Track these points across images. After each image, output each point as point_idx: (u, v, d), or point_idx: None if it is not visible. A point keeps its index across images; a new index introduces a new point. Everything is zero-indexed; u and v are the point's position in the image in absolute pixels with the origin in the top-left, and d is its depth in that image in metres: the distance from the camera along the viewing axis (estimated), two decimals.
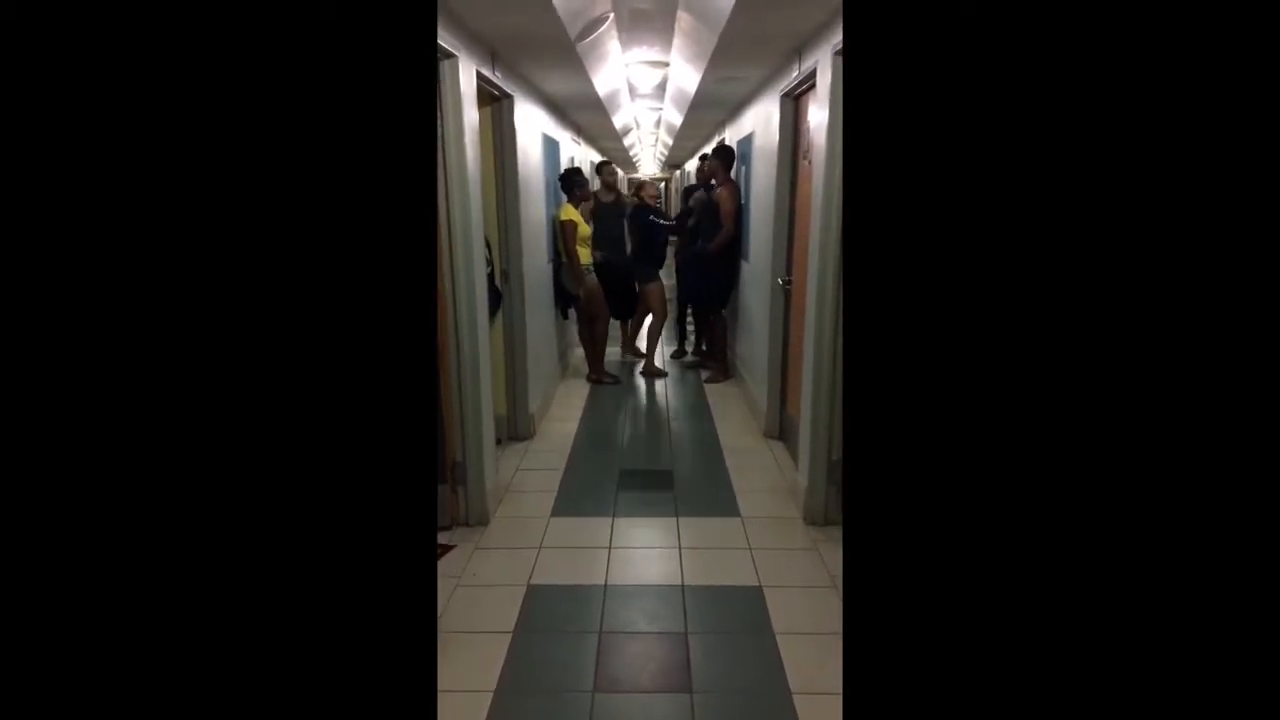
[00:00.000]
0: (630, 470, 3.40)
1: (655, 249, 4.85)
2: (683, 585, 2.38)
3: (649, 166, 12.76)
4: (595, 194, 5.09)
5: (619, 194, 5.32)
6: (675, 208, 8.51)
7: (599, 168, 5.38)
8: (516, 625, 2.16)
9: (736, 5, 2.42)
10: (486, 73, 2.89)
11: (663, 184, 7.52)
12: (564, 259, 4.45)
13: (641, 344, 5.25)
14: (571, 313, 4.87)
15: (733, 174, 4.62)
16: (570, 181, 4.53)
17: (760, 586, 2.36)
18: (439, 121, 2.46)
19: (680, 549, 2.62)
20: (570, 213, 4.40)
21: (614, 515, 2.90)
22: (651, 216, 4.79)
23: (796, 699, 1.84)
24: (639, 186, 5.12)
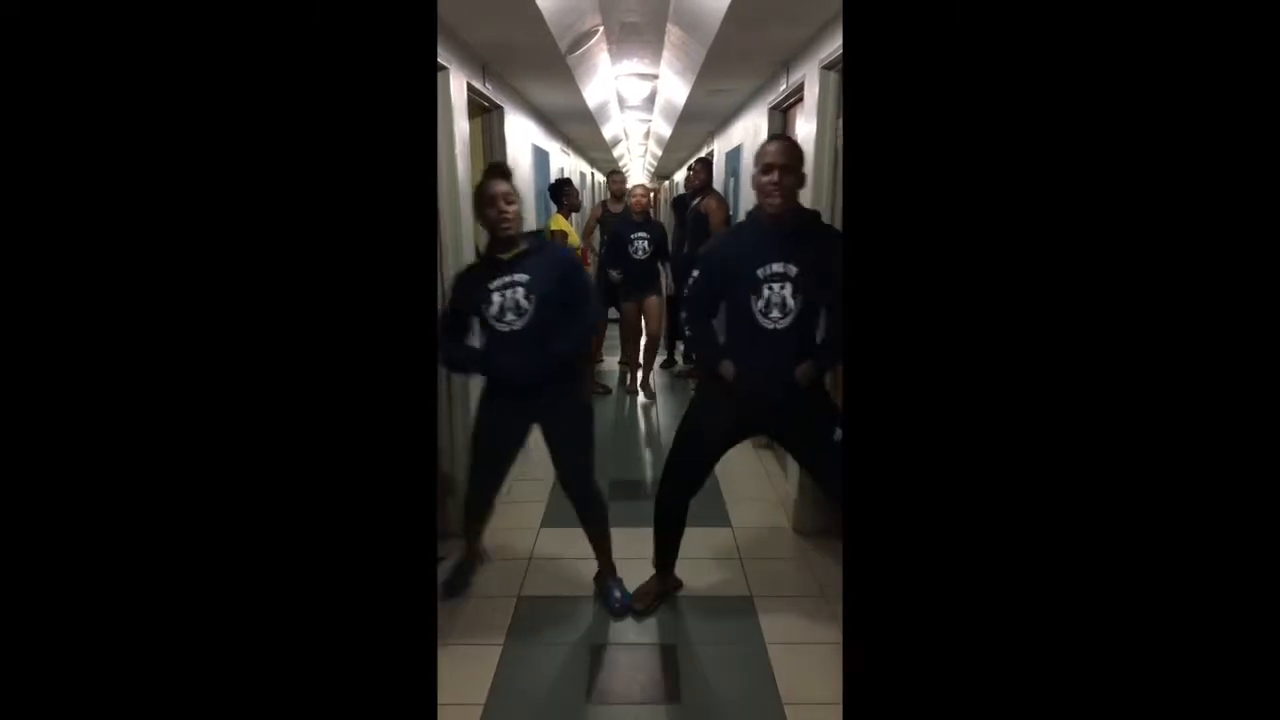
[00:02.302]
0: (619, 480, 3.39)
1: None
2: (674, 596, 2.37)
3: (638, 177, 12.81)
4: (604, 203, 4.97)
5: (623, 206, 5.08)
6: (665, 218, 8.52)
7: (609, 175, 5.22)
8: (507, 637, 2.15)
9: (725, 19, 2.45)
10: (477, 84, 2.90)
11: (652, 194, 7.38)
12: None
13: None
14: None
15: (720, 187, 4.65)
16: (559, 192, 4.54)
17: (750, 596, 2.37)
18: None
19: None
20: (560, 223, 4.41)
21: None
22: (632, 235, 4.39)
23: (787, 709, 1.84)
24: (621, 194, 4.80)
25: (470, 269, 2.13)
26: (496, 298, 2.00)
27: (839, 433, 2.00)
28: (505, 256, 2.02)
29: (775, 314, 1.95)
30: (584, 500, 2.26)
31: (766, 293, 1.95)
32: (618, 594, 2.29)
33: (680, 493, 2.21)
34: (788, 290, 1.93)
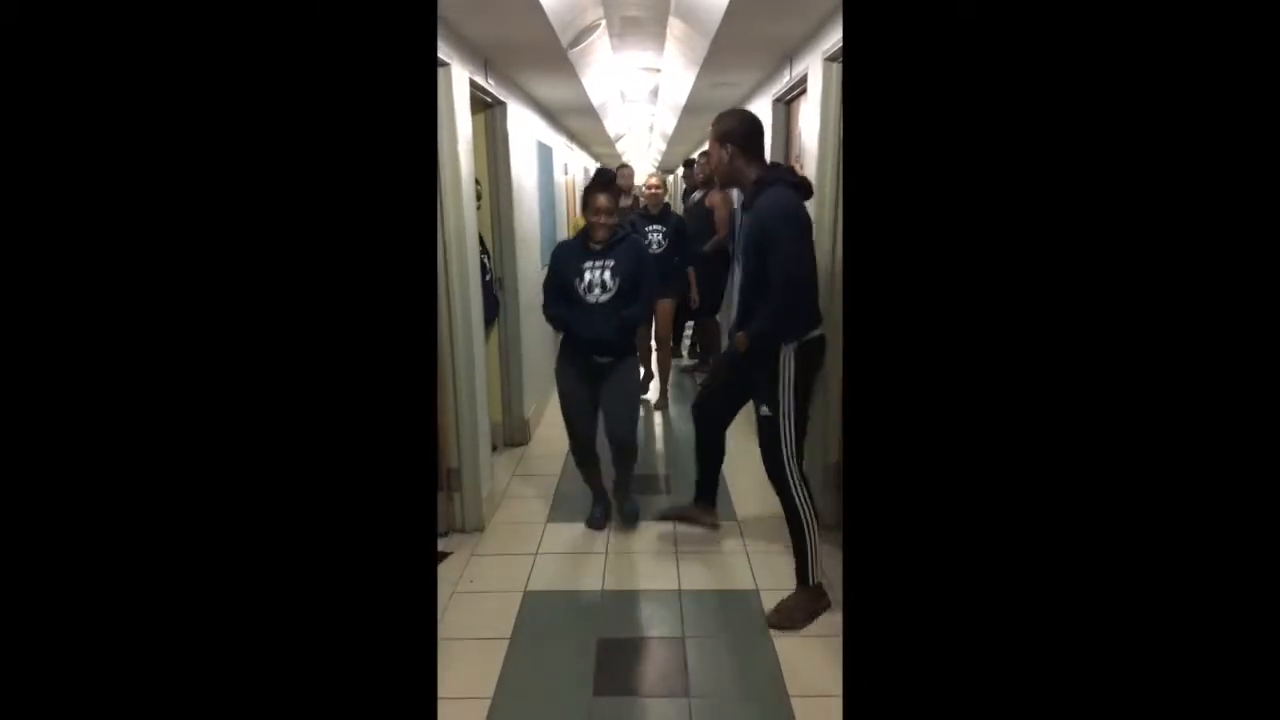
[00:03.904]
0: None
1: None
2: (679, 589, 2.38)
3: (644, 171, 12.75)
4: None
5: (634, 200, 4.85)
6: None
7: (617, 170, 5.02)
8: (514, 631, 2.16)
9: (727, 12, 2.44)
10: (479, 80, 2.90)
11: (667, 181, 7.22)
12: None
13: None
14: None
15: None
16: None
17: (757, 590, 2.37)
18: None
19: (676, 553, 2.62)
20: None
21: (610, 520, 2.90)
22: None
23: (794, 702, 1.84)
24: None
25: (568, 243, 2.74)
26: (588, 275, 2.58)
27: (765, 410, 2.21)
28: (598, 246, 2.58)
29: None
30: (621, 445, 2.71)
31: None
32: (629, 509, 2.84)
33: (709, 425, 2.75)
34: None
